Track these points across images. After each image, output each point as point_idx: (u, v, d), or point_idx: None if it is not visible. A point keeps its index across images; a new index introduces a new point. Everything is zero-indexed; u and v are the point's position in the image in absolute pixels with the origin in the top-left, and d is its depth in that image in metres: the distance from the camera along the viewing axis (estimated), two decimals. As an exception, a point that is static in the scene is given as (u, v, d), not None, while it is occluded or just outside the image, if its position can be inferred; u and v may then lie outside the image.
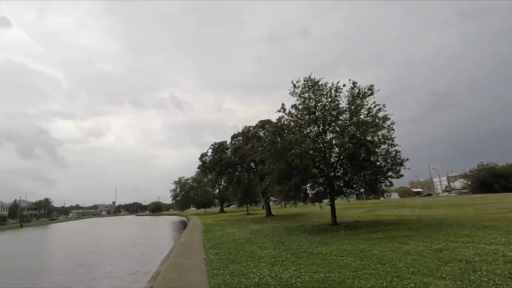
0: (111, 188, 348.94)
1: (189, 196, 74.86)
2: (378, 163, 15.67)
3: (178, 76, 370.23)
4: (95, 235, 38.00)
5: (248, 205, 47.17)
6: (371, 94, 15.69)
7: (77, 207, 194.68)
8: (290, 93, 17.53)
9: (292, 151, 15.28)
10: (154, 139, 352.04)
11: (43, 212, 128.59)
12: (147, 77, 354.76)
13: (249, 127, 31.86)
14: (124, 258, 17.14)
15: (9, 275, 14.86)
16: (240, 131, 32.45)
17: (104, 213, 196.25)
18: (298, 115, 16.83)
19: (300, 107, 16.75)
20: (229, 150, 33.87)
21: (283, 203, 18.71)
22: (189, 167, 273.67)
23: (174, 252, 12.05)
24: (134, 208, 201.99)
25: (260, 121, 30.91)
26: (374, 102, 15.75)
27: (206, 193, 74.57)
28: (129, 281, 11.18)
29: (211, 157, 34.05)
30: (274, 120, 26.92)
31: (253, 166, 31.71)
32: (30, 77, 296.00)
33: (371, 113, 15.57)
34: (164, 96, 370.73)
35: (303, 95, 16.81)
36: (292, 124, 17.22)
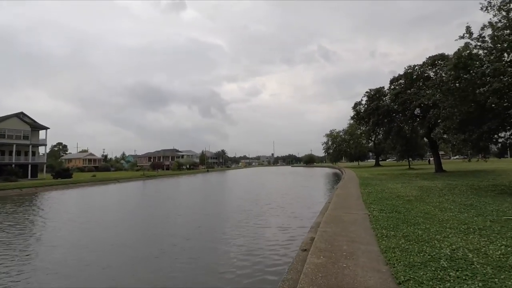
0: (270, 141, 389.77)
1: (341, 148, 73.68)
2: None
3: (326, 24, 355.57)
4: (261, 180, 43.28)
5: (410, 158, 41.84)
6: None
7: (245, 157, 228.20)
8: (482, 8, 12.74)
9: (485, 87, 11.27)
10: (305, 93, 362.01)
11: (221, 161, 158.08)
12: (296, 31, 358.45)
13: (414, 66, 26.44)
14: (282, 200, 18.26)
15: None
16: (401, 73, 27.53)
17: (265, 163, 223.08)
18: (496, 38, 12.06)
19: (499, 24, 11.91)
20: (388, 96, 29.65)
21: (466, 156, 14.65)
22: (339, 120, 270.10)
23: (332, 204, 11.44)
24: (290, 160, 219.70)
25: (430, 58, 24.97)
26: None
27: (359, 145, 71.35)
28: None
29: (366, 106, 30.90)
30: (450, 54, 21.32)
31: (418, 113, 26.78)
32: (203, 48, 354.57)
33: None
34: (313, 48, 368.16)
35: (505, 7, 11.80)
36: (485, 51, 12.66)
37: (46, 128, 53.49)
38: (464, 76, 12.01)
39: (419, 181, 20.03)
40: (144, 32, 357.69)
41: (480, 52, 13.25)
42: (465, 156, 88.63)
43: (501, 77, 10.55)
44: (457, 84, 12.23)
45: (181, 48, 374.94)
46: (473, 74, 11.70)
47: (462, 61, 12.06)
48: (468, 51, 12.34)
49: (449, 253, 4.81)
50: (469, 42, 12.67)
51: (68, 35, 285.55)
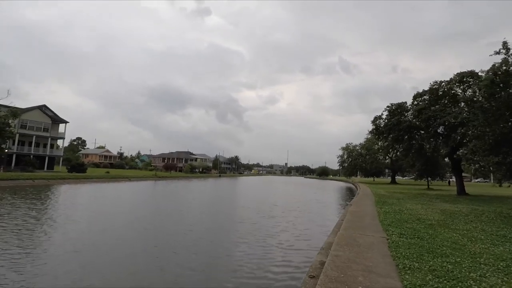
0: (284, 150, 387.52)
1: (356, 163, 71.74)
2: None
3: (348, 35, 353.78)
4: (272, 190, 42.35)
5: (429, 178, 39.94)
6: None
7: (258, 165, 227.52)
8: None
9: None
10: (322, 104, 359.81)
11: (234, 167, 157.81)
12: (317, 41, 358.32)
13: (440, 82, 25.11)
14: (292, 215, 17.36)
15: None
16: (425, 89, 26.23)
17: (278, 172, 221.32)
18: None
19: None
20: (410, 112, 28.32)
21: (498, 180, 13.35)
22: (356, 134, 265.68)
23: (345, 223, 10.53)
24: (303, 171, 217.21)
25: (458, 74, 23.59)
26: None
27: (376, 161, 69.20)
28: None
29: (386, 120, 29.64)
30: (479, 71, 20.11)
31: (441, 132, 25.36)
32: (224, 54, 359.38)
33: None
34: (333, 60, 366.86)
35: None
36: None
37: (65, 122, 54.64)
38: (501, 93, 10.94)
39: (440, 203, 18.70)
40: (168, 35, 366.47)
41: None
42: (486, 180, 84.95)
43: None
44: (491, 102, 11.17)
45: (203, 53, 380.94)
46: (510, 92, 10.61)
47: (500, 77, 11.01)
48: (506, 67, 11.28)
49: (490, 300, 3.92)
50: (506, 58, 11.60)
51: (95, 35, 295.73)
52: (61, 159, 55.07)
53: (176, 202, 22.76)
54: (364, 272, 5.14)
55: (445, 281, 4.60)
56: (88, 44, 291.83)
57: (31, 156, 46.24)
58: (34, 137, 47.91)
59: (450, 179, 58.32)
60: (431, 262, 5.61)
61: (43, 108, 52.05)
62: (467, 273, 5.00)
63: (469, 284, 4.49)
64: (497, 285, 4.47)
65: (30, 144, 47.87)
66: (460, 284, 4.49)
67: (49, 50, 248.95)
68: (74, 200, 20.74)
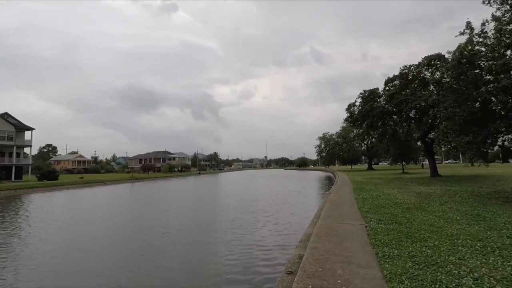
0: (263, 144, 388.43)
1: (334, 152, 72.91)
2: None
3: (318, 26, 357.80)
4: (252, 184, 42.10)
5: (404, 162, 41.14)
6: None
7: (237, 160, 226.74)
8: (484, 1, 11.89)
9: (490, 85, 10.37)
10: (297, 96, 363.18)
11: (213, 163, 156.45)
12: (287, 34, 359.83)
13: (410, 66, 25.59)
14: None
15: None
16: (396, 74, 26.68)
17: (258, 166, 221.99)
18: (501, 32, 11.18)
19: (505, 18, 11.04)
20: (382, 97, 28.78)
21: (469, 160, 13.63)
22: (332, 123, 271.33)
23: (324, 212, 10.37)
24: (283, 163, 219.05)
25: (426, 57, 24.12)
26: None
27: (352, 148, 70.71)
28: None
29: (360, 107, 29.97)
30: (446, 54, 20.57)
31: (413, 116, 25.96)
32: (195, 51, 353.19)
33: None
34: (305, 51, 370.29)
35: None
36: (486, 48, 11.77)
37: (31, 128, 51.57)
38: (468, 72, 11.07)
39: (415, 186, 19.12)
40: (135, 34, 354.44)
41: (483, 48, 12.40)
42: (456, 161, 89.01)
43: (511, 73, 9.64)
44: (460, 82, 11.30)
45: (173, 50, 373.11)
46: (477, 71, 10.77)
47: (467, 56, 11.13)
48: (471, 46, 11.43)
49: (472, 285, 3.74)
50: (473, 36, 11.75)
51: (56, 37, 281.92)
52: (29, 167, 52.04)
53: (151, 204, 21.83)
54: (343, 263, 4.89)
55: (425, 267, 4.42)
56: (50, 48, 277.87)
57: (-5, 167, 43.35)
58: (-2, 146, 44.93)
59: (423, 162, 60.58)
60: (410, 248, 5.46)
61: (5, 116, 48.82)
62: (446, 257, 4.87)
63: (449, 268, 4.32)
64: (476, 268, 4.33)
65: (-7, 155, 44.85)
66: (440, 269, 4.32)
67: (7, 56, 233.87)
68: (42, 209, 19.42)
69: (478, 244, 5.56)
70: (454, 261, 4.66)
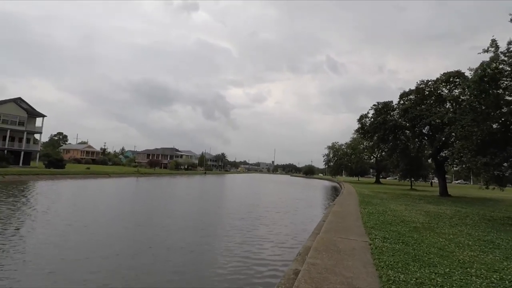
0: (271, 148, 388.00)
1: (342, 162, 71.91)
2: None
3: (335, 34, 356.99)
4: (258, 188, 41.66)
5: (412, 179, 40.13)
6: None
7: (245, 163, 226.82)
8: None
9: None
10: (309, 103, 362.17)
11: (220, 164, 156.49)
12: (304, 41, 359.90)
13: (427, 81, 24.89)
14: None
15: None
16: (412, 89, 25.99)
17: (264, 170, 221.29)
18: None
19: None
20: (396, 111, 28.08)
21: (484, 182, 12.89)
22: (343, 133, 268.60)
23: (327, 224, 9.88)
24: (289, 169, 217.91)
25: (445, 74, 23.41)
26: None
27: (361, 160, 69.58)
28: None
29: (372, 119, 29.32)
30: (466, 71, 19.91)
31: (427, 132, 25.19)
32: (211, 51, 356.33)
33: None
34: (320, 59, 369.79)
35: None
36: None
37: (43, 115, 52.29)
38: (490, 91, 10.49)
39: (424, 204, 18.42)
40: (154, 31, 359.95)
41: (507, 68, 11.81)
42: (466, 182, 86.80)
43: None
44: (480, 101, 10.73)
45: (189, 49, 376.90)
46: (501, 90, 10.19)
47: (490, 74, 10.55)
48: (495, 64, 10.85)
49: (490, 326, 3.26)
50: (497, 54, 11.17)
51: (78, 29, 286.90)
52: (38, 154, 52.64)
53: (149, 203, 21.42)
54: (342, 285, 4.44)
55: (434, 299, 3.95)
56: (70, 38, 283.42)
57: (5, 151, 43.90)
58: (9, 131, 45.58)
59: (432, 180, 59.22)
60: (418, 273, 4.97)
61: (18, 101, 49.53)
62: (458, 285, 4.37)
63: (462, 303, 3.84)
64: (494, 304, 3.84)
65: (4, 139, 45.50)
66: (452, 303, 3.84)
67: (29, 44, 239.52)
68: (34, 196, 19.35)
69: (494, 276, 5.03)
70: (467, 294, 4.17)
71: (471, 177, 66.38)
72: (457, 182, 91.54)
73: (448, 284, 4.53)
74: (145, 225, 12.46)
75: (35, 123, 51.63)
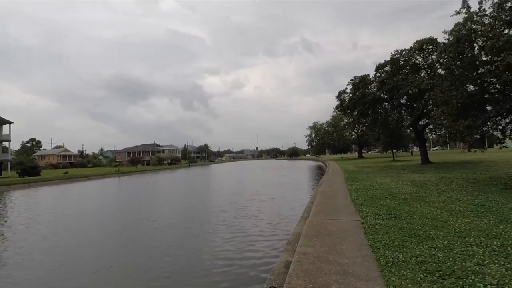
0: (254, 134, 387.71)
1: (324, 141, 72.54)
2: None
3: (308, 15, 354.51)
4: (243, 176, 41.26)
5: (394, 150, 40.86)
6: None
7: (229, 151, 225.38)
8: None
9: (490, 65, 9.57)
10: (289, 86, 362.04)
11: (204, 155, 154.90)
12: (278, 23, 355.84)
13: (401, 50, 24.74)
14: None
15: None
16: (387, 60, 25.83)
17: (249, 156, 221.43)
18: (500, 8, 10.31)
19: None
20: (373, 84, 27.96)
21: (468, 145, 12.89)
22: (324, 113, 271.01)
23: (315, 206, 9.52)
24: (274, 153, 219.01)
25: (418, 42, 23.31)
26: None
27: (343, 137, 70.33)
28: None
29: (350, 94, 29.14)
30: (442, 35, 19.77)
31: (404, 102, 25.28)
32: (183, 40, 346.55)
33: None
34: (295, 40, 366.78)
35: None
36: (484, 27, 10.94)
37: (9, 122, 49.16)
38: (466, 52, 10.23)
39: (408, 174, 18.54)
40: (120, 23, 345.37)
41: (479, 27, 11.59)
42: (443, 148, 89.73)
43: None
44: (457, 62, 10.48)
45: (160, 39, 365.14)
46: (477, 50, 9.94)
47: (465, 35, 10.26)
48: (470, 23, 10.57)
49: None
50: (471, 13, 10.88)
51: (38, 26, 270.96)
52: (9, 163, 49.85)
53: (129, 202, 20.48)
54: (338, 275, 4.00)
55: (440, 279, 3.56)
56: (32, 37, 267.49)
57: (-29, 163, 41.24)
58: (-27, 142, 42.73)
59: (412, 150, 60.78)
60: (416, 251, 4.61)
61: (-20, 109, 46.37)
62: (463, 263, 4.03)
63: (471, 281, 3.46)
64: (503, 278, 3.49)
65: (-32, 150, 42.65)
66: (460, 282, 3.46)
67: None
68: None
69: (495, 243, 4.75)
70: (473, 268, 3.82)
71: (448, 142, 68.57)
72: (435, 148, 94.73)
73: (450, 259, 4.18)
74: (128, 230, 11.75)
75: (1, 131, 48.62)
